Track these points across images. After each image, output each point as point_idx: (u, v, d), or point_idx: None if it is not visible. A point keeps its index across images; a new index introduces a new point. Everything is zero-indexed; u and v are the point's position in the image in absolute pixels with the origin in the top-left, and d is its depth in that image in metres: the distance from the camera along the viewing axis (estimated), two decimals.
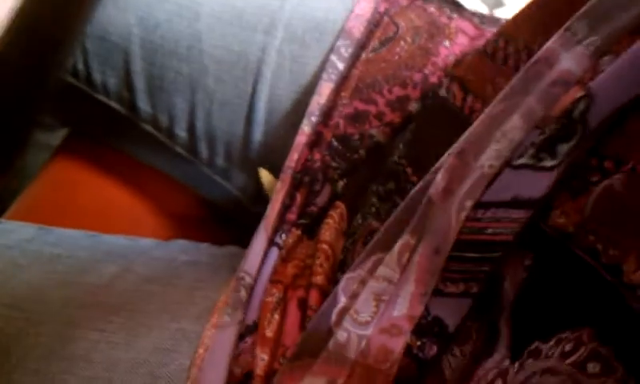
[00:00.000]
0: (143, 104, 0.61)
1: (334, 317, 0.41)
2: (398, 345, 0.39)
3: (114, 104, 0.62)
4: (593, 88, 0.36)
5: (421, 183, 0.42)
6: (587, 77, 0.38)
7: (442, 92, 0.49)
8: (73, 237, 0.54)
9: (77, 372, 0.45)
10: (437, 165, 0.42)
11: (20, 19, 0.29)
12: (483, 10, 0.82)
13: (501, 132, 0.39)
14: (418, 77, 0.55)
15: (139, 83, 0.60)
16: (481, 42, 0.55)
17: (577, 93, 0.37)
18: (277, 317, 0.47)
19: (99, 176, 0.66)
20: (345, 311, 0.41)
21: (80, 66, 0.61)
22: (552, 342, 0.33)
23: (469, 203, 0.38)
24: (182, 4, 0.59)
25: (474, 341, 0.38)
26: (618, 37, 0.38)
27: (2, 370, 0.45)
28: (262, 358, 0.45)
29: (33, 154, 0.68)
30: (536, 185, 0.37)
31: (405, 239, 0.40)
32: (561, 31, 0.40)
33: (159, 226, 0.65)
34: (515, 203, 0.37)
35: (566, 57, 0.39)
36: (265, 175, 0.59)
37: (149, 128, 0.62)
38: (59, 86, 0.59)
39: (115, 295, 0.49)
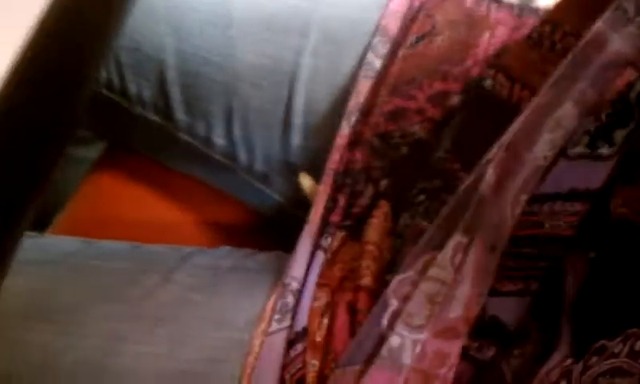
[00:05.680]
0: (179, 113, 0.61)
1: (385, 321, 0.40)
2: (454, 348, 0.38)
3: (150, 115, 0.62)
4: None
5: (470, 179, 0.40)
6: None
7: (487, 83, 0.48)
8: (115, 249, 0.54)
9: None
10: (485, 158, 0.40)
11: (27, 60, 0.28)
12: None
13: (554, 120, 0.38)
14: (458, 70, 0.54)
15: (174, 93, 0.60)
16: (521, 33, 0.54)
17: (631, 75, 0.36)
18: (326, 321, 0.46)
19: (140, 188, 0.65)
20: (397, 315, 0.40)
21: (115, 79, 0.61)
22: (619, 340, 0.32)
23: (524, 197, 0.37)
24: (213, 12, 0.59)
25: (534, 341, 0.37)
26: None
27: None
28: (313, 364, 0.44)
29: (72, 168, 0.68)
30: (593, 175, 0.36)
31: (457, 238, 0.39)
32: (609, 11, 0.39)
33: (202, 235, 0.64)
34: (572, 195, 0.36)
35: (616, 38, 0.38)
36: (305, 180, 0.58)
37: (186, 137, 0.61)
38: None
39: (159, 306, 0.48)
